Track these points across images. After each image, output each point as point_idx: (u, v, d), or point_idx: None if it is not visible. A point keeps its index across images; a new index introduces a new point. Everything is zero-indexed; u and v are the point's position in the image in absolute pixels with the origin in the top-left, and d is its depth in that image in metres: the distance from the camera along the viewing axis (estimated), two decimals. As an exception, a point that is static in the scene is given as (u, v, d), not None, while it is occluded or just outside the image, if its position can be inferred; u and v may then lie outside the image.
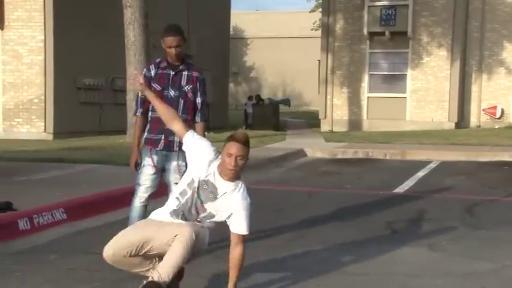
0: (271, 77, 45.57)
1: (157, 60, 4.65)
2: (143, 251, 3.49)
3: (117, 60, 14.91)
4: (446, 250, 5.13)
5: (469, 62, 20.27)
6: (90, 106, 16.25)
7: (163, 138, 4.55)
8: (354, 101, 20.83)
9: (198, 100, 4.70)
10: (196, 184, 3.57)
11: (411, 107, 20.34)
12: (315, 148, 13.52)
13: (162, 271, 3.38)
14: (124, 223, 6.10)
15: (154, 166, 4.58)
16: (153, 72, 4.58)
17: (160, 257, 3.51)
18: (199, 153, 3.61)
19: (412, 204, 7.35)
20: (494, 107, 20.12)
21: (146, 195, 4.66)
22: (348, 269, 4.44)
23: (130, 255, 3.49)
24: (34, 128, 15.25)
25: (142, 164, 4.64)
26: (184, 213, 3.58)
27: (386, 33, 19.90)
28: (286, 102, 29.49)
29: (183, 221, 3.56)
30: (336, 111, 20.86)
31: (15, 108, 15.31)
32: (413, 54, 20.21)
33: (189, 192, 3.58)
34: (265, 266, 4.54)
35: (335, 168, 11.10)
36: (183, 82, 4.59)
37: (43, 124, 15.20)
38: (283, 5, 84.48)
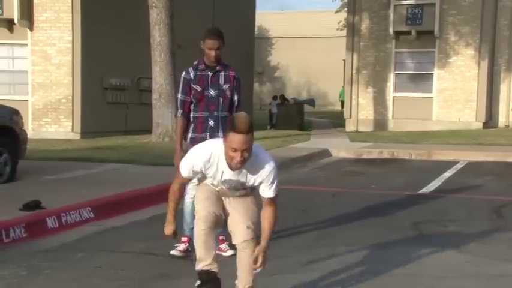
0: (296, 77, 45.48)
1: (195, 63, 4.94)
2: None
3: (143, 61, 15.05)
4: (474, 252, 5.06)
5: (498, 61, 19.94)
6: (116, 106, 16.42)
7: (208, 136, 4.73)
8: (379, 100, 20.66)
9: (235, 98, 4.99)
10: (221, 187, 3.56)
11: (438, 107, 20.10)
12: (339, 148, 13.45)
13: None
14: (150, 222, 6.16)
15: None
16: (192, 75, 4.87)
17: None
18: (197, 167, 3.52)
19: (438, 204, 7.27)
20: (523, 107, 19.77)
21: (191, 194, 4.81)
22: (373, 270, 4.41)
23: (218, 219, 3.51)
24: (62, 127, 15.48)
25: None
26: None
27: (413, 32, 19.69)
28: (311, 102, 29.39)
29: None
30: (361, 111, 20.72)
31: (43, 108, 15.56)
32: (440, 54, 19.97)
33: (222, 191, 3.58)
34: (289, 266, 4.54)
35: (360, 168, 11.03)
36: (221, 82, 4.87)
37: (70, 124, 15.42)
38: (308, 4, 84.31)
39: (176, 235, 3.66)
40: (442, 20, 19.67)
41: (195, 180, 4.46)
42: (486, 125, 19.60)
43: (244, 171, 3.42)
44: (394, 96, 20.47)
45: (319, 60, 43.92)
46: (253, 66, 25.53)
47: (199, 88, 4.82)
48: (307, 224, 6.10)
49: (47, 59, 15.45)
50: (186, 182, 3.70)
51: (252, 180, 3.46)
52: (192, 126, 4.87)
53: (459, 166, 11.08)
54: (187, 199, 4.91)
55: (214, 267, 3.61)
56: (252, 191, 3.59)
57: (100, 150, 11.47)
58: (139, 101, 16.98)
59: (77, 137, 15.19)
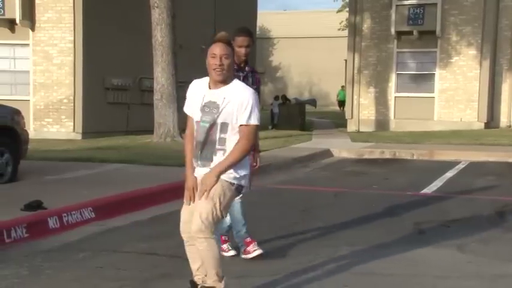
0: (298, 77, 45.47)
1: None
2: None
3: (145, 61, 15.05)
4: (475, 252, 5.05)
5: (499, 61, 19.92)
6: (118, 106, 16.43)
7: None
8: (381, 100, 20.65)
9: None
10: (198, 117, 3.53)
11: (439, 107, 20.08)
12: (341, 148, 13.45)
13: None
14: (151, 222, 6.17)
15: None
16: None
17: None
18: (190, 103, 3.63)
19: (440, 205, 7.26)
20: (525, 107, 19.74)
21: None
22: (375, 270, 4.40)
23: None
24: (63, 127, 15.49)
25: None
26: (203, 149, 3.55)
27: (415, 32, 19.69)
28: (313, 102, 29.40)
29: (207, 163, 3.55)
30: (363, 111, 20.71)
31: (45, 108, 15.57)
32: (441, 54, 19.95)
33: (197, 129, 3.58)
34: (291, 266, 4.54)
35: (361, 169, 11.03)
36: (251, 82, 4.90)
37: (72, 124, 15.43)
38: (310, 4, 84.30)
39: (195, 191, 3.72)
40: (443, 20, 19.65)
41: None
42: (488, 125, 19.58)
43: (222, 94, 3.45)
44: (395, 96, 20.46)
45: (321, 60, 43.90)
46: (254, 66, 25.51)
47: None
48: (309, 224, 6.10)
49: (48, 59, 15.46)
50: (193, 125, 3.66)
51: (229, 104, 3.42)
52: None
53: (461, 166, 11.07)
54: (236, 200, 4.77)
55: (200, 276, 3.63)
56: (222, 132, 3.49)
57: (101, 151, 11.47)
58: (140, 101, 16.99)
59: (79, 137, 15.20)
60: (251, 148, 3.54)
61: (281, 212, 6.78)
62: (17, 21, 15.22)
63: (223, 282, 3.53)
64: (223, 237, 4.81)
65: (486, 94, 19.51)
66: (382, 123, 20.43)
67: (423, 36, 19.81)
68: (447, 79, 19.93)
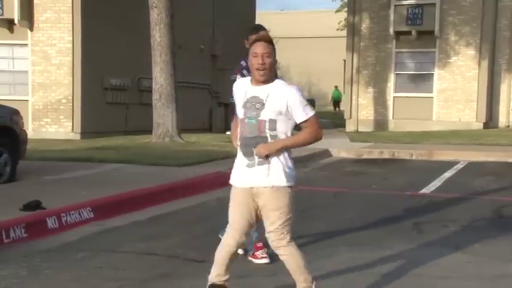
0: (297, 77, 45.45)
1: (244, 64, 4.91)
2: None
3: (143, 61, 15.04)
4: (475, 252, 5.05)
5: (498, 61, 19.93)
6: (116, 106, 16.41)
7: None
8: (379, 100, 20.66)
9: None
10: (241, 115, 3.49)
11: (438, 107, 20.10)
12: (340, 148, 13.45)
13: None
14: (150, 222, 6.16)
15: None
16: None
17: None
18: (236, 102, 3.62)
19: (439, 205, 7.26)
20: (524, 107, 19.77)
21: None
22: (373, 270, 4.40)
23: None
24: (62, 127, 15.47)
25: None
26: (250, 145, 3.43)
27: (413, 32, 19.69)
28: (311, 102, 29.34)
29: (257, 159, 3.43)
30: (362, 111, 20.72)
31: (43, 108, 15.55)
32: (440, 54, 19.96)
33: (242, 127, 3.49)
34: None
35: (360, 169, 11.03)
36: None
37: (71, 124, 15.41)
38: (309, 4, 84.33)
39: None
40: (442, 20, 19.67)
41: None
42: (486, 125, 19.59)
43: (266, 91, 3.42)
44: (394, 97, 20.47)
45: (320, 60, 43.89)
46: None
47: None
48: (308, 224, 6.09)
49: (47, 59, 15.45)
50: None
51: (273, 101, 3.38)
52: None
53: (460, 166, 11.08)
54: None
55: (222, 280, 3.59)
56: (271, 129, 3.43)
57: (100, 151, 11.46)
58: (139, 101, 16.97)
59: (77, 137, 15.19)
60: (321, 137, 3.52)
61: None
62: (16, 21, 15.20)
63: (313, 285, 3.53)
64: (258, 244, 4.73)
65: (485, 94, 19.52)
66: (380, 123, 20.44)
67: (422, 36, 19.82)
68: (446, 79, 19.94)
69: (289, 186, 3.47)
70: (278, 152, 3.42)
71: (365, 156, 12.92)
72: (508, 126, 19.73)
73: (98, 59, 15.47)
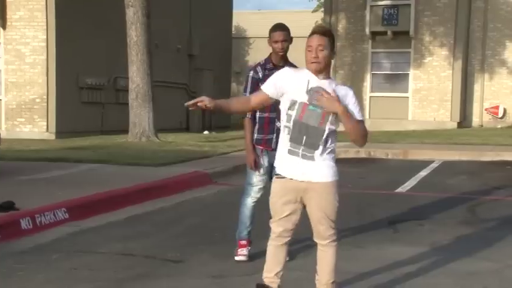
0: (273, 77, 45.51)
1: (262, 62, 4.86)
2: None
3: (120, 60, 14.92)
4: (448, 250, 5.13)
5: (472, 61, 20.25)
6: (92, 106, 16.25)
7: (274, 137, 4.61)
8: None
9: None
10: (301, 99, 3.35)
11: (413, 107, 20.33)
12: (317, 148, 13.48)
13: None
14: (127, 222, 6.12)
15: (265, 167, 4.68)
16: (260, 75, 4.77)
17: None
18: (283, 84, 3.42)
19: (414, 203, 7.34)
20: (497, 107, 20.11)
21: (259, 195, 4.73)
22: (348, 268, 4.43)
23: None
24: (36, 127, 15.27)
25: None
26: (309, 136, 3.35)
27: (389, 32, 19.89)
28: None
29: (310, 151, 3.36)
30: (338, 110, 20.83)
31: (17, 107, 15.33)
32: (415, 54, 20.20)
33: (298, 111, 3.34)
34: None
35: (337, 168, 11.07)
36: None
37: (45, 124, 15.22)
38: (286, 4, 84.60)
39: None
40: (417, 21, 19.90)
41: (257, 183, 4.57)
42: (460, 124, 19.88)
43: (331, 86, 3.37)
44: (370, 96, 20.65)
45: (297, 60, 43.19)
46: (230, 66, 25.50)
47: None
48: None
49: (20, 58, 15.23)
50: (263, 100, 3.52)
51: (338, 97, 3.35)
52: (257, 127, 4.71)
53: (434, 165, 11.22)
54: (249, 202, 4.76)
55: (274, 283, 3.53)
56: (332, 124, 3.36)
57: (76, 150, 11.34)
58: (115, 101, 16.83)
59: (52, 137, 15.00)
60: (365, 142, 3.47)
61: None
62: (-12, 19, 14.98)
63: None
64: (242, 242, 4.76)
65: (459, 94, 19.81)
66: (357, 122, 20.59)
67: (397, 36, 20.03)
68: (421, 79, 20.18)
69: (334, 180, 3.48)
70: (338, 111, 3.31)
71: (341, 156, 12.95)
72: (481, 125, 20.05)
73: (73, 58, 15.30)
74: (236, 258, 4.71)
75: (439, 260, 4.79)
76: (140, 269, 4.47)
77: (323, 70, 3.38)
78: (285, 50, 4.75)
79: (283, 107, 3.44)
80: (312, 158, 3.37)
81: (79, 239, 5.44)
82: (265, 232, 5.45)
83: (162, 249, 5.04)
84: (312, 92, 3.34)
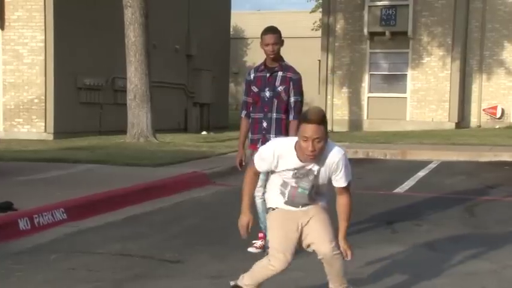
0: (272, 77, 45.52)
1: (257, 65, 5.01)
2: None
3: (118, 61, 14.92)
4: (447, 250, 5.13)
5: (470, 62, 20.28)
6: (90, 106, 16.25)
7: (261, 138, 4.80)
8: (354, 101, 20.83)
9: (291, 99, 4.89)
10: (291, 185, 3.46)
11: (411, 107, 20.35)
12: (315, 148, 13.49)
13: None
14: (125, 223, 6.12)
15: None
16: (252, 76, 4.94)
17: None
18: (271, 166, 3.46)
19: (412, 204, 7.35)
20: (495, 107, 20.14)
21: (260, 194, 4.81)
22: (347, 269, 4.43)
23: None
24: (34, 128, 15.26)
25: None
26: (299, 206, 3.53)
27: (387, 33, 19.92)
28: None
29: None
30: (336, 111, 20.87)
31: (15, 108, 15.32)
32: (413, 54, 20.22)
33: (290, 192, 3.48)
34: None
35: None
36: (277, 83, 4.85)
37: (43, 124, 15.21)
38: (284, 5, 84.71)
39: (249, 227, 3.56)
40: (415, 21, 19.93)
41: (263, 177, 4.53)
42: (458, 125, 19.92)
43: (321, 170, 3.41)
44: (368, 97, 20.67)
45: (295, 60, 43.60)
46: (228, 67, 25.51)
47: (256, 89, 4.88)
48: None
49: (19, 58, 15.21)
50: (257, 173, 3.57)
51: (321, 170, 3.40)
52: (251, 127, 4.93)
53: (432, 166, 11.23)
54: (258, 199, 4.87)
55: None
56: (321, 194, 3.56)
57: (74, 151, 11.34)
58: (113, 101, 16.83)
59: (50, 137, 14.99)
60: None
61: (252, 214, 6.77)
62: (-14, 19, 14.96)
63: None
64: (260, 234, 4.89)
65: (457, 94, 19.84)
66: (355, 123, 20.62)
67: (395, 37, 20.06)
68: (419, 79, 20.21)
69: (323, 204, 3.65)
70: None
71: (340, 156, 12.99)
72: (479, 126, 20.08)
73: (71, 59, 15.29)
74: (248, 249, 4.86)
75: (437, 260, 4.79)
76: (138, 270, 4.47)
77: (318, 157, 3.35)
78: (276, 53, 4.81)
79: (276, 178, 3.55)
80: (306, 206, 3.56)
81: (77, 239, 5.44)
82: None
83: (160, 249, 5.04)
84: (299, 173, 3.42)
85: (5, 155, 9.64)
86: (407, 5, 19.85)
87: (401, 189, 8.57)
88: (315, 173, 3.41)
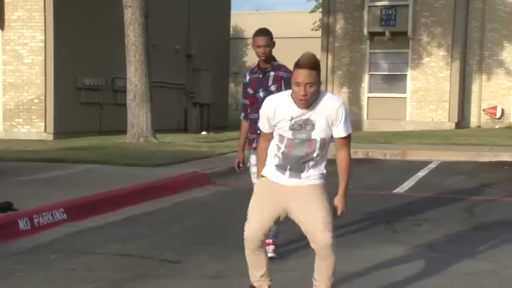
0: (272, 77, 45.51)
1: (252, 67, 5.08)
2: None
3: (118, 61, 14.92)
4: (446, 250, 5.13)
5: (469, 62, 20.29)
6: (90, 106, 16.25)
7: (257, 137, 4.70)
8: (354, 101, 20.83)
9: None
10: (287, 135, 3.38)
11: (411, 107, 20.36)
12: (315, 148, 13.49)
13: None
14: (125, 223, 6.12)
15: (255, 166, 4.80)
16: (247, 78, 4.99)
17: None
18: (271, 121, 3.44)
19: (412, 204, 7.36)
20: (495, 107, 20.15)
21: None
22: (347, 269, 4.44)
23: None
24: (34, 128, 15.26)
25: (248, 165, 4.99)
26: (292, 165, 3.43)
27: (387, 33, 19.92)
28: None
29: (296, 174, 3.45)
30: (336, 111, 20.85)
31: (15, 108, 15.32)
32: (413, 55, 20.23)
33: (286, 145, 3.41)
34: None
35: (335, 169, 11.06)
36: (270, 82, 4.88)
37: (43, 124, 15.20)
38: (284, 5, 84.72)
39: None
40: (415, 21, 19.94)
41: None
42: (458, 125, 19.92)
43: (317, 119, 3.35)
44: (368, 97, 20.68)
45: (295, 60, 43.88)
46: (228, 67, 25.51)
47: (251, 91, 4.92)
48: (282, 224, 6.11)
49: (18, 58, 15.21)
50: (267, 138, 3.53)
51: (319, 118, 3.33)
52: (249, 128, 4.99)
53: (432, 166, 11.23)
54: None
55: (264, 283, 3.56)
56: (318, 163, 3.53)
57: (74, 151, 11.34)
58: (113, 101, 16.83)
59: (50, 137, 14.99)
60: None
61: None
62: (-14, 20, 14.96)
63: None
64: (266, 241, 4.79)
65: (457, 95, 19.84)
66: (355, 123, 20.57)
67: (395, 37, 20.06)
68: (419, 80, 20.21)
69: (323, 184, 3.63)
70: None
71: (339, 156, 12.99)
72: (479, 126, 20.08)
73: (71, 59, 15.29)
74: (269, 255, 4.80)
75: (436, 260, 4.79)
76: (138, 270, 4.47)
77: (311, 103, 3.32)
78: (267, 54, 4.84)
79: (274, 136, 3.49)
80: (298, 177, 3.48)
81: (77, 239, 5.44)
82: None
83: (160, 249, 5.04)
84: (296, 124, 3.36)
85: (5, 155, 9.64)
86: (407, 5, 19.86)
87: (401, 189, 8.57)
88: (313, 122, 3.35)
